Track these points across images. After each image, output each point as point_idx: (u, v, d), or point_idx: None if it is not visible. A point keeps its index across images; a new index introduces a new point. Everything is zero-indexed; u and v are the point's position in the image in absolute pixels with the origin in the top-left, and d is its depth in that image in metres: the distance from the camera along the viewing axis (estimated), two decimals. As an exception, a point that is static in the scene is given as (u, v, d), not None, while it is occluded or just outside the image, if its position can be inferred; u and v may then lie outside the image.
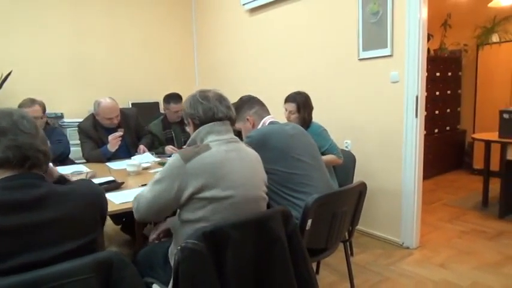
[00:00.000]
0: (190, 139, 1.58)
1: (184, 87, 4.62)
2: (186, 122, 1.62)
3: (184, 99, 1.69)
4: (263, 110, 2.10)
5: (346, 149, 3.16)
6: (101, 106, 2.96)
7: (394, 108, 2.93)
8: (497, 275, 2.52)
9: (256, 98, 2.15)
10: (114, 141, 2.93)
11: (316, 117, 2.77)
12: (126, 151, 3.08)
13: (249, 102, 2.10)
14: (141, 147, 3.10)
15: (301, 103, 2.65)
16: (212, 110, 1.52)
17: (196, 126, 1.55)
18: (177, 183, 1.37)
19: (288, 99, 2.71)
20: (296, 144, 1.91)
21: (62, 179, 1.41)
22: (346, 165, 2.70)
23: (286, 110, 2.72)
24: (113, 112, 2.98)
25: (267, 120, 2.06)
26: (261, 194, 1.53)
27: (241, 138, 2.06)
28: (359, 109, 3.19)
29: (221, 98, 1.57)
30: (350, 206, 1.95)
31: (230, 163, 1.43)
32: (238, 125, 2.14)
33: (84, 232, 1.08)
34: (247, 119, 2.07)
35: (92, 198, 1.15)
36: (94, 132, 3.03)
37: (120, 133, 2.96)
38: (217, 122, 1.52)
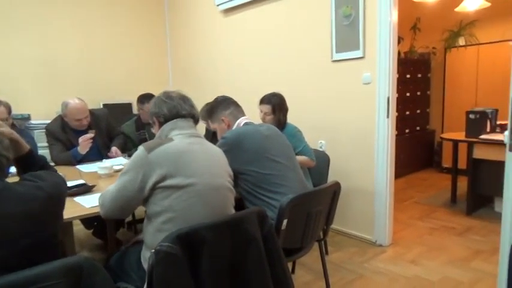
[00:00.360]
0: (155, 137, 1.62)
1: (158, 87, 4.52)
2: (151, 121, 1.66)
3: None
4: (238, 110, 2.10)
5: (320, 149, 3.20)
6: (69, 107, 2.86)
7: (367, 109, 2.99)
8: (466, 270, 2.61)
9: (231, 98, 2.14)
10: (84, 143, 2.85)
11: (291, 117, 2.78)
12: (97, 153, 2.99)
13: (224, 103, 2.10)
14: (114, 149, 3.03)
15: (276, 105, 2.65)
16: (176, 108, 1.59)
17: (161, 125, 1.61)
18: (141, 173, 1.40)
19: (263, 101, 2.71)
20: (271, 145, 1.92)
21: (32, 156, 1.46)
22: (320, 165, 2.73)
23: (261, 111, 2.72)
24: (81, 113, 2.89)
25: (242, 121, 2.05)
26: (225, 184, 1.55)
27: (216, 139, 2.06)
28: (333, 110, 3.24)
29: (184, 98, 1.65)
30: (324, 206, 1.97)
31: (193, 153, 1.48)
32: (214, 126, 2.15)
33: (41, 227, 1.10)
34: (222, 120, 2.07)
35: (52, 194, 1.16)
36: (62, 134, 2.93)
37: (91, 135, 2.88)
38: (181, 119, 1.58)
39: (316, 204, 1.89)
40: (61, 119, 2.96)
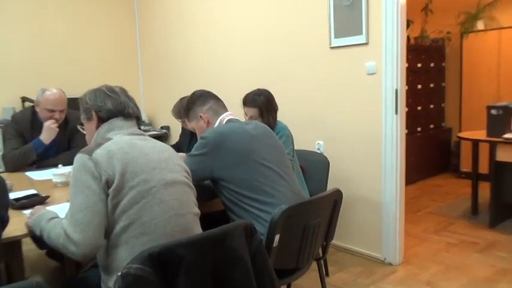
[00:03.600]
0: (92, 141, 1.63)
1: (126, 81, 4.52)
2: (85, 116, 1.67)
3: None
4: (219, 105, 2.10)
5: (318, 151, 3.22)
6: (45, 94, 2.86)
7: (372, 104, 3.01)
8: (489, 291, 2.64)
9: (210, 92, 2.15)
10: (52, 129, 2.83)
11: (283, 115, 2.79)
12: (56, 153, 2.97)
13: (202, 97, 2.10)
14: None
15: (263, 106, 2.65)
16: (122, 105, 1.64)
17: (100, 121, 1.63)
18: (90, 177, 1.40)
19: (247, 103, 2.69)
20: (259, 147, 1.92)
21: None
22: (318, 170, 2.74)
23: (246, 114, 2.71)
24: (56, 104, 2.87)
25: (224, 117, 2.05)
26: (180, 178, 1.58)
27: (195, 140, 2.05)
28: (332, 105, 3.25)
29: (129, 95, 1.70)
30: (324, 218, 1.98)
31: (138, 148, 1.51)
32: (191, 125, 2.15)
33: None
34: (201, 117, 2.07)
35: None
36: (29, 129, 2.91)
37: (57, 118, 2.87)
38: (119, 118, 1.62)
39: (314, 216, 1.89)
40: (32, 111, 2.95)
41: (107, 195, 1.41)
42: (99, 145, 1.47)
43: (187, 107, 2.13)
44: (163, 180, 1.50)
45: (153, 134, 4.58)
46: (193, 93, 2.16)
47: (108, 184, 1.40)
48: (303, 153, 2.89)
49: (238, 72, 3.96)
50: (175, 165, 1.59)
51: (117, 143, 1.49)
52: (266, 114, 2.65)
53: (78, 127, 1.78)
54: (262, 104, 2.65)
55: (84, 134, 1.75)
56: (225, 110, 2.12)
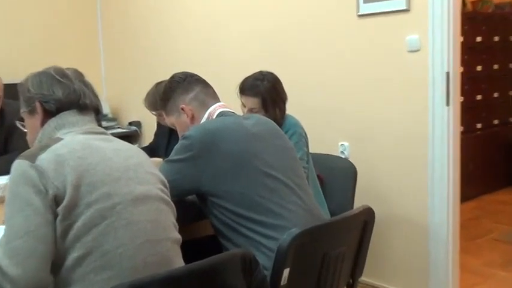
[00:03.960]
0: (36, 142, 1.63)
1: (82, 61, 4.55)
2: (27, 109, 1.67)
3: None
4: (207, 93, 2.11)
5: (343, 156, 3.22)
6: None
7: (414, 92, 3.02)
8: None
9: (195, 75, 2.16)
10: None
11: (294, 107, 2.79)
12: None
13: (185, 83, 2.10)
14: None
15: (267, 95, 2.66)
16: (77, 93, 1.64)
17: (47, 116, 1.62)
18: (36, 191, 1.39)
19: (246, 91, 2.70)
20: (263, 149, 1.93)
21: None
22: (342, 181, 2.75)
23: (244, 105, 2.73)
24: None
25: (214, 110, 2.06)
26: (154, 191, 1.58)
27: (176, 140, 2.05)
28: (360, 94, 3.26)
29: (85, 80, 1.71)
30: (349, 246, 1.98)
31: (97, 151, 1.52)
32: (170, 119, 2.16)
33: None
34: (183, 109, 2.07)
35: None
36: None
37: None
38: (72, 111, 1.62)
39: (337, 243, 1.90)
40: None
41: (55, 215, 1.40)
42: (44, 148, 1.47)
43: (164, 95, 2.13)
44: (132, 194, 1.50)
45: (118, 133, 4.61)
46: (172, 77, 2.17)
47: (56, 200, 1.39)
48: (322, 158, 2.90)
49: (235, 49, 3.97)
50: (148, 175, 1.60)
51: (69, 144, 1.49)
52: (271, 106, 2.66)
53: (17, 123, 1.78)
54: (265, 91, 2.66)
55: (25, 133, 1.76)
56: (216, 99, 2.12)
